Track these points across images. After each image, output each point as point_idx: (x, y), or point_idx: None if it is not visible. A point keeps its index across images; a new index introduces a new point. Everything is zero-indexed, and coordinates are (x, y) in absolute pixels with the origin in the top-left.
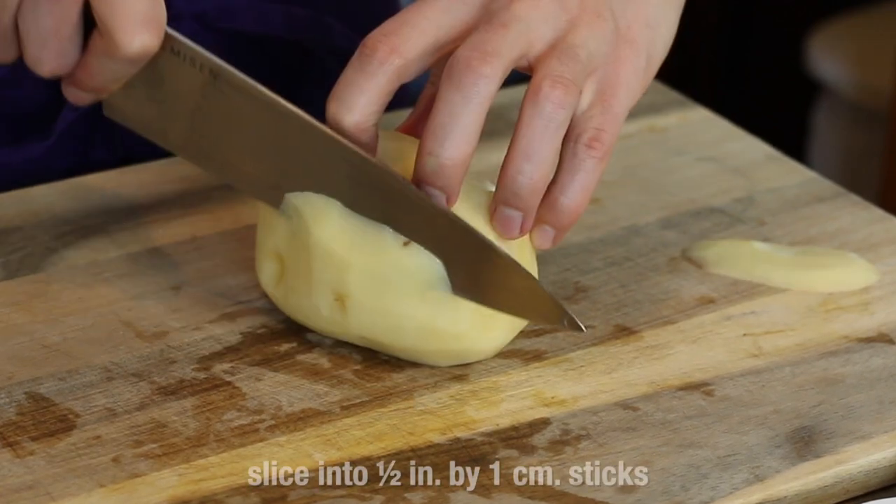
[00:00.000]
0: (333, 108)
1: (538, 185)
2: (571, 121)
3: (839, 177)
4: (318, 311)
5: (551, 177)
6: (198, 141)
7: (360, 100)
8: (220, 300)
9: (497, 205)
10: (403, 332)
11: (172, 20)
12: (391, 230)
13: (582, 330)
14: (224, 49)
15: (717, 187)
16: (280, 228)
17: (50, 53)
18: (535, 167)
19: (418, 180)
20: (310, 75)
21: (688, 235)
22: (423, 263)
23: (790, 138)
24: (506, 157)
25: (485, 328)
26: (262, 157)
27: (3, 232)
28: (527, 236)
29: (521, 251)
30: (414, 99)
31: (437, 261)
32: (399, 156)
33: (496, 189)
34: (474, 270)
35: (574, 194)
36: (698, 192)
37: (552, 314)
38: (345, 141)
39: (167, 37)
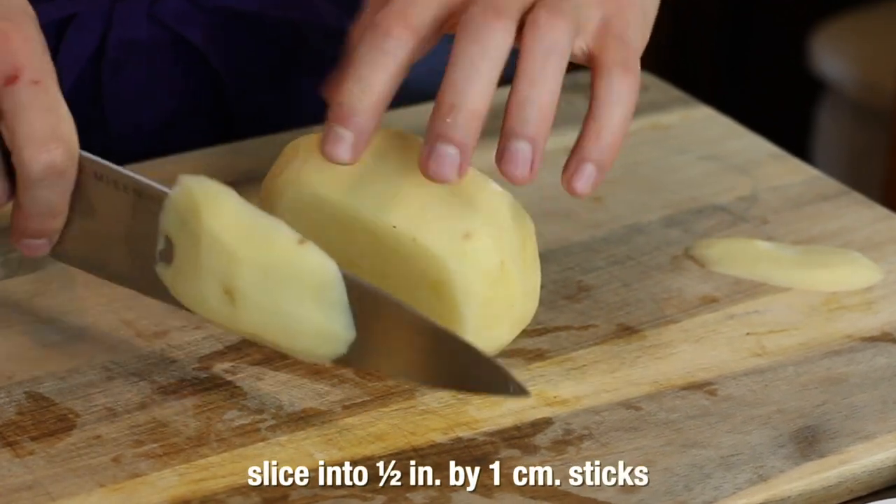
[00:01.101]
0: (352, 87)
1: (547, 110)
2: (592, 59)
3: (842, 175)
4: (206, 301)
5: (555, 104)
6: (138, 265)
7: (380, 78)
8: None
9: (506, 141)
10: (298, 335)
11: None
12: (287, 225)
13: (528, 394)
14: (212, 26)
15: (720, 185)
16: (170, 209)
17: None
18: (541, 92)
19: (433, 143)
20: (304, 58)
21: (690, 234)
22: (317, 264)
23: (793, 136)
24: (511, 91)
25: (486, 327)
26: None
27: (3, 230)
28: (533, 240)
29: (525, 258)
30: (413, 96)
31: (333, 263)
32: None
33: (503, 126)
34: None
35: (615, 125)
36: (701, 191)
37: (496, 383)
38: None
39: (88, 161)
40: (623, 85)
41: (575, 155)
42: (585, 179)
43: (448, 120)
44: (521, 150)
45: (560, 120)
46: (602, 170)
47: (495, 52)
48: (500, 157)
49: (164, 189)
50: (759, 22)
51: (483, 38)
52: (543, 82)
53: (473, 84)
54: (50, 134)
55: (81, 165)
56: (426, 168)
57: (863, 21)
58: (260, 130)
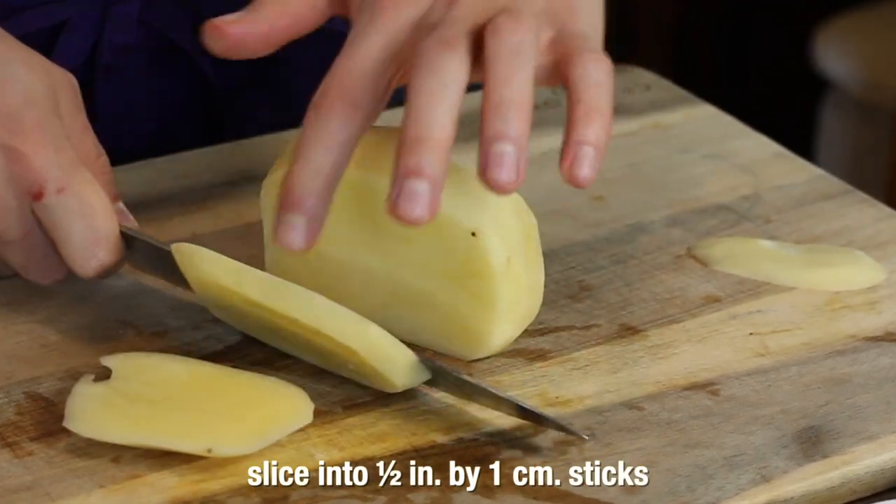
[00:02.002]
0: (300, 171)
1: (524, 107)
2: (561, 60)
3: (846, 174)
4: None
5: (533, 99)
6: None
7: (328, 160)
8: None
9: (486, 148)
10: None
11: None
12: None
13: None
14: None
15: (723, 185)
16: None
17: (38, 275)
18: (515, 90)
19: (402, 177)
20: (292, 61)
21: (693, 233)
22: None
23: (797, 135)
24: (484, 97)
25: (490, 322)
26: None
27: None
28: (536, 237)
29: (529, 255)
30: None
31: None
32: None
33: (481, 132)
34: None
35: (601, 104)
36: (704, 190)
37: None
38: None
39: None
40: (598, 68)
41: (569, 140)
42: (587, 164)
43: (414, 155)
44: (506, 152)
45: (554, 122)
46: (599, 151)
47: (453, 81)
48: (484, 163)
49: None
50: (762, 20)
51: (438, 69)
52: (516, 80)
53: (436, 115)
54: (91, 240)
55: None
56: (396, 209)
57: (866, 19)
58: (250, 132)
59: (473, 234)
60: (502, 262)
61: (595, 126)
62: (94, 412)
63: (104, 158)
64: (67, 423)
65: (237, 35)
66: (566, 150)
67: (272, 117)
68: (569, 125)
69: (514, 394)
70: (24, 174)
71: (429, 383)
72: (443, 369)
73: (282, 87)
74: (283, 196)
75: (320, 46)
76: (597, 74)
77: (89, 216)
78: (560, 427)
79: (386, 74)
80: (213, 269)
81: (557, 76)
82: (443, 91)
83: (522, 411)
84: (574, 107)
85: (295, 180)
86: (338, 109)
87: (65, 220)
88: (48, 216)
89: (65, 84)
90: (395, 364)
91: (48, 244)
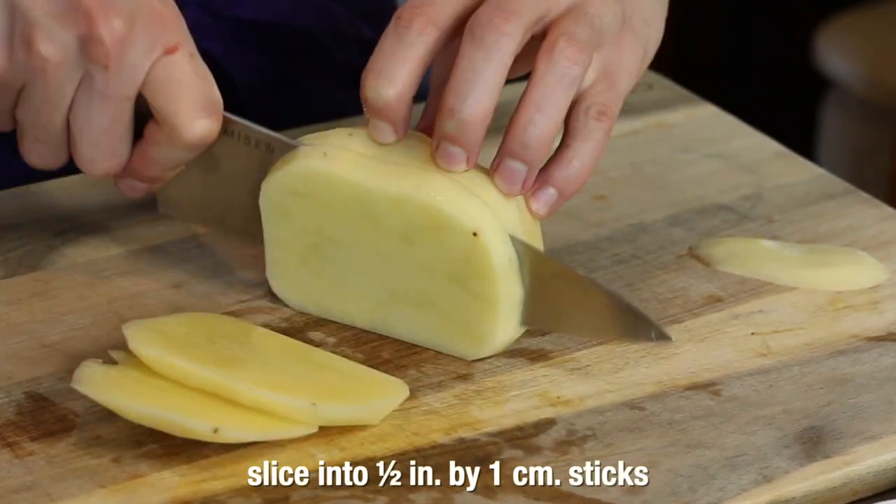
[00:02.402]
0: (373, 80)
1: (547, 137)
2: (579, 91)
3: (848, 174)
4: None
5: (558, 134)
6: (259, 220)
7: (402, 70)
8: (221, 298)
9: (502, 158)
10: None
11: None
12: None
13: (670, 339)
14: (229, 37)
15: (725, 184)
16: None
17: (103, 153)
18: (545, 119)
19: (439, 140)
20: (315, 62)
21: (695, 233)
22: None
23: (798, 135)
24: (516, 109)
25: (492, 322)
26: None
27: (2, 229)
28: (539, 236)
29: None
30: (426, 93)
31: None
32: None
33: (503, 142)
34: (550, 298)
35: (585, 159)
36: (706, 189)
37: (638, 328)
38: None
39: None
40: (599, 127)
41: (541, 175)
42: (545, 201)
43: (449, 123)
44: (517, 169)
45: None
46: (563, 197)
47: (499, 58)
48: (496, 170)
49: (294, 143)
50: (763, 20)
51: (488, 42)
52: (548, 109)
53: (473, 91)
54: (208, 102)
55: None
56: (436, 158)
57: (868, 18)
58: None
59: (475, 234)
60: (504, 263)
61: (569, 174)
62: (103, 381)
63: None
64: (75, 384)
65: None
66: (538, 179)
67: (294, 118)
68: (549, 162)
69: (515, 394)
70: (162, 31)
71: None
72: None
73: (303, 88)
74: (364, 102)
75: (341, 50)
76: (595, 128)
77: (210, 82)
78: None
79: (464, 8)
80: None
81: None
82: (484, 68)
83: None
84: (561, 148)
85: (369, 91)
86: (416, 23)
87: (189, 77)
88: (173, 72)
89: None
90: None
91: (131, 122)
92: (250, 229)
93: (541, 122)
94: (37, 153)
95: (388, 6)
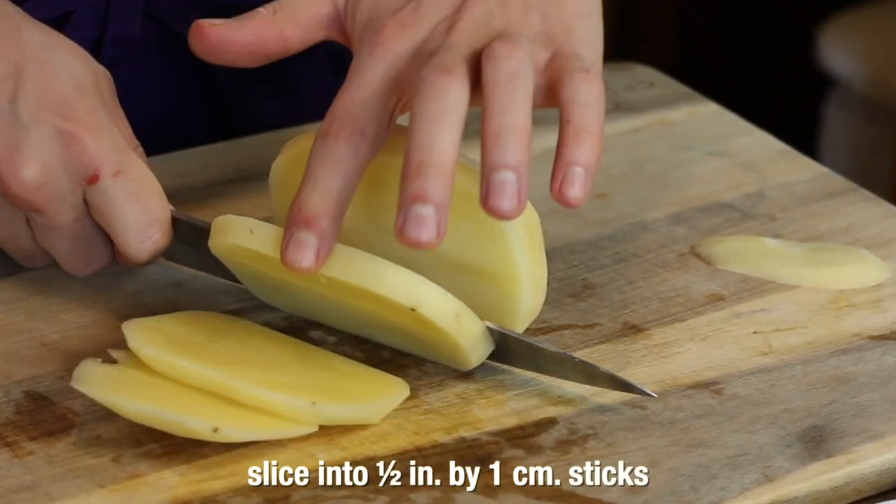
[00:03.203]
0: (309, 194)
1: (523, 135)
2: (555, 81)
3: (850, 172)
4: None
5: (530, 124)
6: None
7: (336, 183)
8: (221, 297)
9: (487, 176)
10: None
11: None
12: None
13: (653, 396)
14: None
15: (727, 182)
16: None
17: (80, 264)
18: (514, 117)
19: (407, 202)
20: (307, 51)
21: (697, 231)
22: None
23: (801, 133)
24: (482, 123)
25: (497, 319)
26: None
27: None
28: (539, 235)
29: (532, 251)
30: None
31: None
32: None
33: (482, 161)
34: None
35: (592, 125)
36: (708, 188)
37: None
38: None
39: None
40: (588, 89)
41: (559, 161)
42: (577, 185)
43: (419, 180)
44: (507, 180)
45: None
46: (590, 172)
47: (455, 105)
48: (486, 192)
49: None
50: (765, 18)
51: (439, 95)
52: (515, 107)
53: (438, 140)
54: (146, 222)
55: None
56: (402, 235)
57: (871, 16)
58: (258, 124)
59: (413, 309)
60: (451, 322)
61: (584, 146)
62: (102, 380)
63: (140, 149)
64: (75, 383)
65: (217, 38)
66: (556, 171)
67: (279, 111)
68: (559, 146)
69: (516, 393)
70: (79, 158)
71: (493, 357)
72: (510, 337)
73: (289, 80)
74: (293, 215)
75: (328, 42)
76: (586, 95)
77: (144, 199)
78: (639, 391)
79: (389, 103)
80: (257, 238)
81: (552, 97)
82: (444, 116)
83: (593, 377)
84: (564, 127)
85: (305, 201)
86: (344, 137)
87: (120, 203)
88: (103, 200)
89: (104, 74)
90: (470, 336)
91: (95, 231)
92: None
93: (511, 123)
94: (20, 259)
95: None
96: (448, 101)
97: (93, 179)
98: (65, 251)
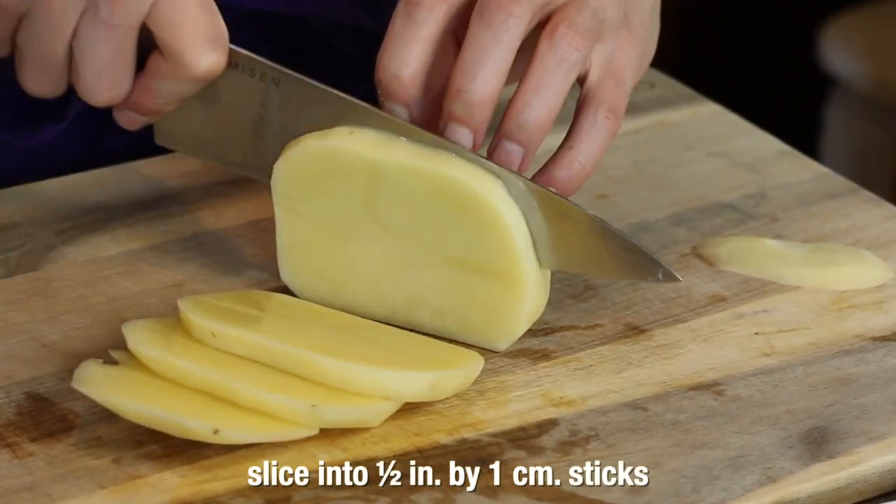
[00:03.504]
0: (387, 62)
1: (544, 121)
2: (587, 89)
3: (852, 173)
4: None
5: (554, 118)
6: (260, 153)
7: (414, 51)
8: None
9: (500, 139)
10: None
11: None
12: None
13: (679, 280)
14: (228, 27)
15: (728, 183)
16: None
17: (105, 83)
18: (544, 102)
19: (447, 121)
20: (313, 52)
21: (698, 232)
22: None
23: (802, 133)
24: (515, 91)
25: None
26: None
27: (1, 228)
28: None
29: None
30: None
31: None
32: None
33: (500, 123)
34: (554, 234)
35: (587, 161)
36: (709, 188)
37: (645, 268)
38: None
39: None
40: (605, 126)
41: (542, 174)
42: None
43: (456, 104)
44: (513, 151)
45: (560, 120)
46: (564, 189)
47: (506, 39)
48: (492, 151)
49: (307, 80)
50: (767, 18)
51: (495, 23)
52: (547, 93)
53: (481, 71)
54: (214, 34)
55: None
56: (445, 135)
57: (872, 16)
58: None
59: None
60: (516, 222)
61: (571, 174)
62: (103, 381)
63: None
64: (75, 384)
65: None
66: (537, 179)
67: None
68: (550, 161)
69: (518, 394)
70: None
71: None
72: None
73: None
74: (378, 85)
75: (341, 40)
76: (601, 129)
77: (214, 13)
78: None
79: None
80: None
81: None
82: (491, 48)
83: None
84: (564, 148)
85: (383, 72)
86: (427, 1)
87: (194, 9)
88: (175, 5)
89: None
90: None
91: (134, 53)
92: (249, 162)
93: (538, 106)
94: (36, 81)
95: None
96: (500, 32)
97: None
98: (101, 60)
